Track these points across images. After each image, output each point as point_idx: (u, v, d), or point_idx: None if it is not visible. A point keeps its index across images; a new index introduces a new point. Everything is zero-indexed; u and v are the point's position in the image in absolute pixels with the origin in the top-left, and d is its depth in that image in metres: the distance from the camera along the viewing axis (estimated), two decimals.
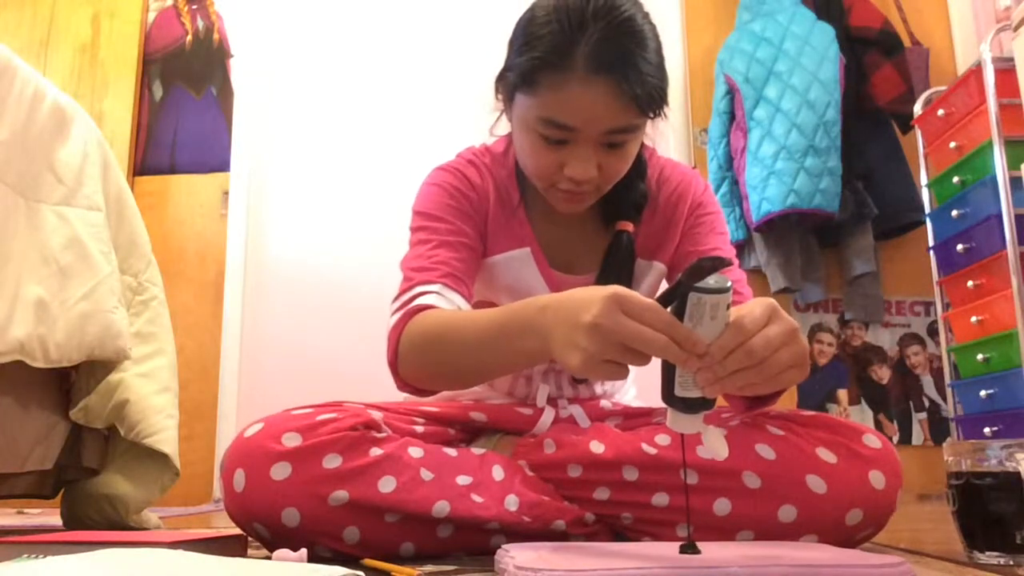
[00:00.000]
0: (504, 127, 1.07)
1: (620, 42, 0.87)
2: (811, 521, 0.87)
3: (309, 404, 0.95)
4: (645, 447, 0.92)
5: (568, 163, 0.92)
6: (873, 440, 0.91)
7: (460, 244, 1.03)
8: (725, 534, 0.88)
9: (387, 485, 0.87)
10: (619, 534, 0.94)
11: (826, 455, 0.89)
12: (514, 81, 0.93)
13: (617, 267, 1.04)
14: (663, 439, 0.93)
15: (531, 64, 0.89)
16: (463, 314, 0.93)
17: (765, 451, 0.89)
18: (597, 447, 0.93)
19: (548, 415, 1.05)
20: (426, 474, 0.90)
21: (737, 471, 0.89)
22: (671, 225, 1.09)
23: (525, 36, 0.92)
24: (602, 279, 1.04)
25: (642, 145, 1.02)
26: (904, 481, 0.92)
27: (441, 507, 0.88)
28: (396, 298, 0.99)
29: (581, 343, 0.70)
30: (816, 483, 0.87)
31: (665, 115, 0.95)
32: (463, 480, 0.91)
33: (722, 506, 0.88)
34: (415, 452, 0.92)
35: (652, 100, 0.90)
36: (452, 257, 1.01)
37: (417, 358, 0.94)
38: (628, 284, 1.03)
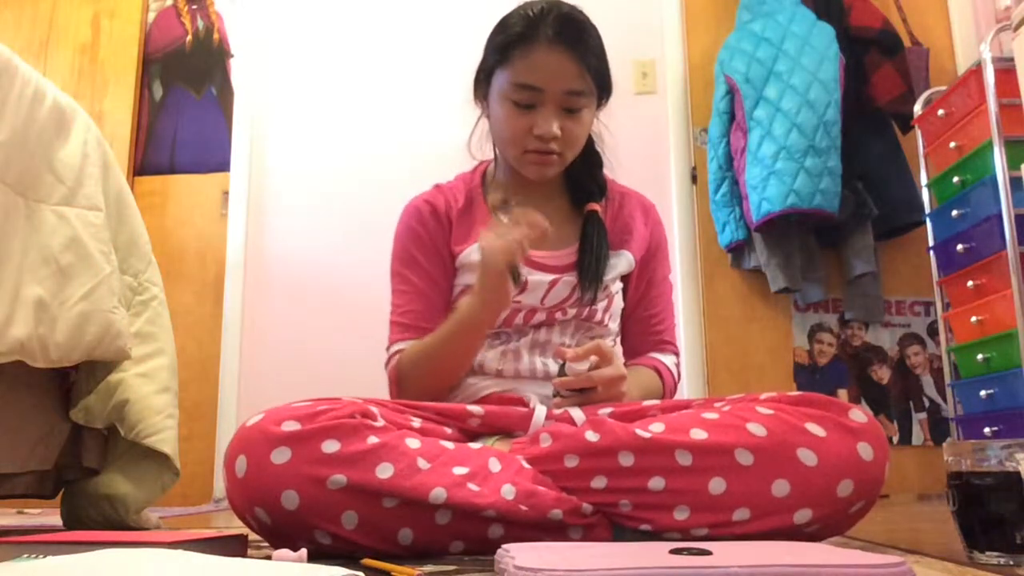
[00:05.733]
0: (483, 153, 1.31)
1: (574, 23, 1.16)
2: (804, 494, 0.89)
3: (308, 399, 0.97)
4: (639, 432, 0.93)
5: (536, 124, 1.14)
6: (859, 415, 0.94)
7: (426, 288, 1.24)
8: (721, 513, 0.90)
9: (385, 471, 0.89)
10: (618, 525, 0.94)
11: (815, 429, 0.92)
12: (491, 62, 1.19)
13: (595, 240, 1.21)
14: (657, 426, 0.94)
15: (505, 41, 1.16)
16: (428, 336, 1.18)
17: (756, 428, 0.92)
18: (592, 436, 0.94)
19: (541, 412, 1.06)
20: (423, 463, 0.91)
21: (729, 448, 0.91)
22: (635, 220, 1.29)
23: (499, 28, 1.20)
24: (583, 251, 1.21)
25: (594, 140, 1.27)
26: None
27: (438, 493, 0.89)
28: (387, 356, 1.24)
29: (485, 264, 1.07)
30: (807, 456, 0.90)
31: (606, 101, 1.23)
32: (460, 470, 0.92)
33: (717, 485, 0.90)
34: (412, 443, 0.93)
35: (601, 75, 1.17)
36: (422, 308, 1.23)
37: (410, 380, 1.18)
38: (606, 258, 1.22)
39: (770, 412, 0.94)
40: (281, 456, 0.88)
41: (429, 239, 1.25)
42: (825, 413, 0.94)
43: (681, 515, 0.90)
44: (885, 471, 0.93)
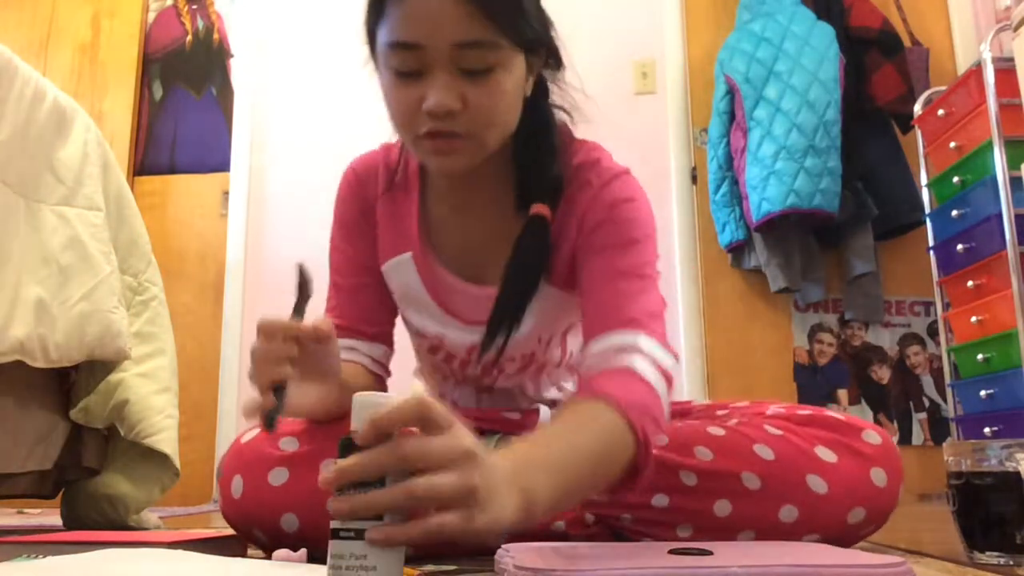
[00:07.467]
0: None
1: None
2: (813, 521, 0.87)
3: None
4: None
5: (426, 96, 0.82)
6: (873, 436, 0.91)
7: (357, 285, 1.02)
8: (726, 535, 0.88)
9: None
10: (618, 534, 0.94)
11: (826, 454, 0.88)
12: (371, 19, 0.87)
13: (524, 269, 0.91)
14: (660, 439, 0.93)
15: None
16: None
17: (764, 451, 0.89)
18: None
19: (545, 413, 1.05)
20: None
21: (736, 472, 0.88)
22: (568, 222, 0.93)
23: None
24: (503, 288, 0.91)
25: (556, 128, 0.95)
26: (904, 481, 0.92)
27: None
28: None
29: None
30: (817, 483, 0.87)
31: (554, 63, 0.91)
32: None
33: (722, 507, 0.87)
34: None
35: (512, 18, 0.82)
36: (354, 309, 1.00)
37: None
38: (535, 286, 0.92)
39: (779, 433, 0.90)
40: (279, 478, 0.86)
41: (354, 223, 1.04)
42: (836, 436, 0.90)
43: (684, 533, 0.89)
44: (899, 495, 0.89)
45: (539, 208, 0.91)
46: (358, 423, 0.53)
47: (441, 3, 0.79)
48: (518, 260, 0.91)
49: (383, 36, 0.84)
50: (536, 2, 0.87)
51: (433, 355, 1.04)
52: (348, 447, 0.54)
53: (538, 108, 0.93)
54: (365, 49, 0.91)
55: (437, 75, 0.81)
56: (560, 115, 0.97)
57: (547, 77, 0.94)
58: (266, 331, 0.72)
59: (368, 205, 1.03)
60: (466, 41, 0.80)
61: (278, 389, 0.70)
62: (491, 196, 0.96)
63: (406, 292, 1.01)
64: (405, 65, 0.82)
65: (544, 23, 0.88)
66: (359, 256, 1.02)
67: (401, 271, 1.00)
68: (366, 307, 1.02)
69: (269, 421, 0.69)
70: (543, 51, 0.90)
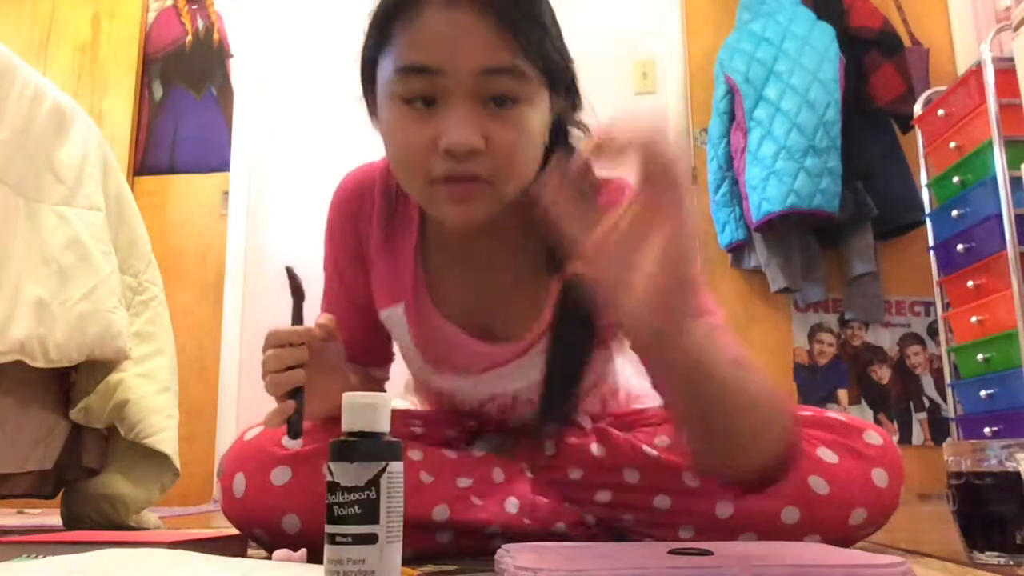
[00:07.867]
0: None
1: None
2: (814, 522, 0.87)
3: None
4: (646, 449, 0.91)
5: (441, 131, 0.72)
6: (874, 437, 0.90)
7: (345, 316, 0.92)
8: (728, 536, 0.88)
9: None
10: (620, 535, 0.94)
11: (827, 455, 0.88)
12: (372, 45, 0.78)
13: (573, 347, 0.83)
14: (663, 440, 0.92)
15: (383, 12, 0.75)
16: None
17: None
18: (598, 449, 0.92)
19: None
20: (426, 477, 0.90)
21: None
22: None
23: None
24: (557, 348, 0.84)
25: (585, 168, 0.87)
26: (904, 481, 0.91)
27: (441, 511, 0.88)
28: None
29: None
30: (818, 484, 0.87)
31: (573, 102, 0.82)
32: (463, 482, 0.91)
33: (724, 508, 0.87)
34: (414, 455, 0.91)
35: (533, 34, 0.73)
36: (352, 338, 0.91)
37: None
38: (587, 356, 0.84)
39: None
40: (282, 477, 0.86)
41: (344, 258, 0.98)
42: (838, 438, 0.89)
43: (686, 534, 0.89)
44: (900, 495, 0.89)
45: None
46: (350, 423, 0.54)
47: (462, 21, 0.71)
48: (566, 336, 0.82)
49: (389, 63, 0.75)
50: (559, 31, 0.79)
51: (440, 397, 1.02)
52: (340, 449, 0.54)
53: (559, 152, 0.82)
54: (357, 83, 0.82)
55: (456, 107, 0.72)
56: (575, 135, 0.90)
57: (565, 120, 0.85)
58: (276, 339, 0.75)
59: (360, 231, 0.96)
60: (493, 67, 0.71)
61: (295, 394, 0.72)
62: (502, 248, 0.88)
63: (403, 345, 0.97)
64: (417, 92, 0.73)
65: (566, 56, 0.80)
66: (351, 292, 0.98)
67: (396, 322, 0.94)
68: (359, 338, 0.97)
69: (294, 428, 0.71)
70: (563, 89, 0.81)
